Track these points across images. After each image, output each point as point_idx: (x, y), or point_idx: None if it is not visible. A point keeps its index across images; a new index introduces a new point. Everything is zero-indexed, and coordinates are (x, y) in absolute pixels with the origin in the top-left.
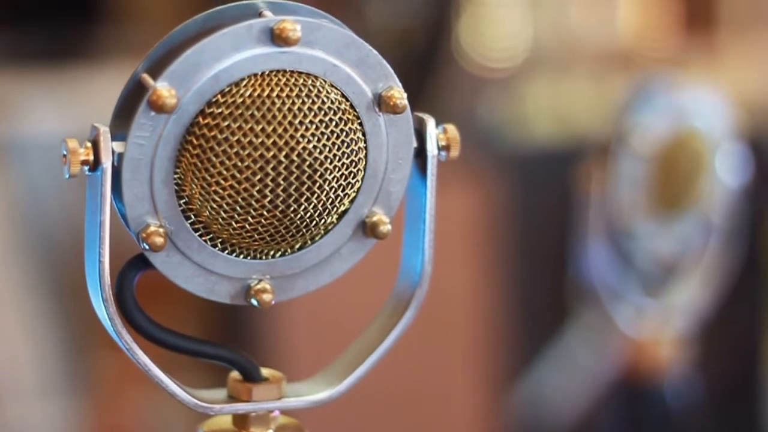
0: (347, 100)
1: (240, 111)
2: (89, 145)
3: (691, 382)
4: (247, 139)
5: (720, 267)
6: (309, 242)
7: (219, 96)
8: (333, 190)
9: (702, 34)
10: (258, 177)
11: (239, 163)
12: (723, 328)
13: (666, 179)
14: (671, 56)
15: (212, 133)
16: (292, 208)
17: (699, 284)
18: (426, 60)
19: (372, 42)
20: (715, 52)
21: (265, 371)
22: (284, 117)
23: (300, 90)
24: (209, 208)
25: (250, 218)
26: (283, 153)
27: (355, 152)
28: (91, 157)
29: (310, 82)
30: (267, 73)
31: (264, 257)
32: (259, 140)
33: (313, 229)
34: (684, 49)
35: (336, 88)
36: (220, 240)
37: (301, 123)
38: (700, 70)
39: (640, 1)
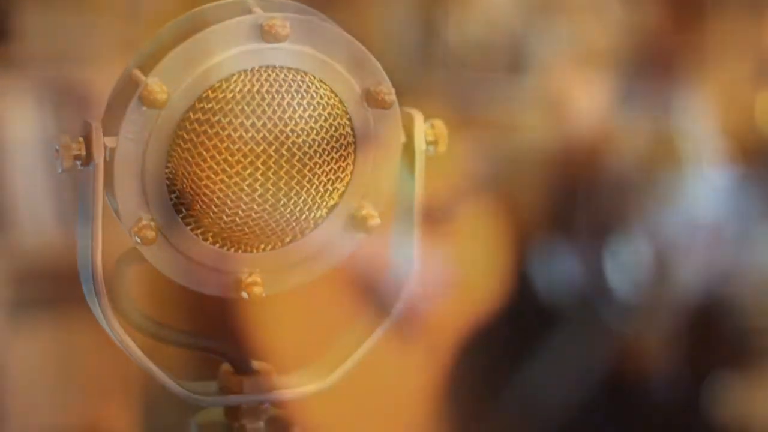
0: (336, 95)
1: (230, 106)
2: (81, 140)
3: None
4: (237, 134)
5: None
6: (299, 236)
7: (209, 91)
8: (322, 184)
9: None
10: (248, 171)
11: (229, 158)
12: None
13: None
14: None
15: (202, 128)
16: (281, 202)
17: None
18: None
19: (361, 38)
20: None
21: (255, 364)
22: (273, 112)
23: (289, 85)
24: (200, 202)
25: (240, 212)
26: (273, 147)
27: (344, 147)
28: (84, 152)
29: (299, 77)
30: (257, 68)
31: (254, 250)
32: (249, 135)
33: (302, 222)
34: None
35: (325, 84)
36: (211, 234)
37: (290, 118)
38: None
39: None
